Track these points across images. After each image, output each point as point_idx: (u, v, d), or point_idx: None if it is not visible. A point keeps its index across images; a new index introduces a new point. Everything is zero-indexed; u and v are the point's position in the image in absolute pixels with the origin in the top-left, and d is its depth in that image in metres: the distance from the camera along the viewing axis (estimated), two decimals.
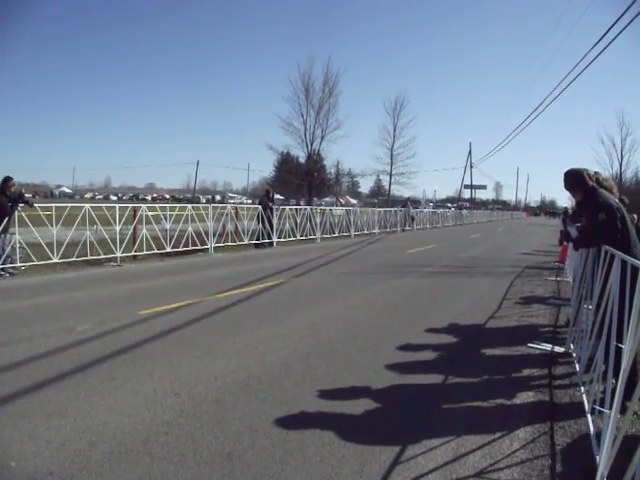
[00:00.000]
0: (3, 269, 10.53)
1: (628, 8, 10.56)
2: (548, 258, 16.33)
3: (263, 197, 19.46)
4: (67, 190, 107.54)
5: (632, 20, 10.71)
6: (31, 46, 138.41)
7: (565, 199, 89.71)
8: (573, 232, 5.44)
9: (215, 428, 3.63)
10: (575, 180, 5.05)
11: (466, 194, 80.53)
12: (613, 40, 12.06)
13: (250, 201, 63.49)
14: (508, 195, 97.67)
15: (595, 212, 4.67)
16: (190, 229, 15.22)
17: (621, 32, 11.44)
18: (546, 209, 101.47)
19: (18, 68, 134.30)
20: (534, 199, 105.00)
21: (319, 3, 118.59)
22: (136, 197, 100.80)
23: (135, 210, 14.47)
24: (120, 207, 13.81)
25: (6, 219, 10.52)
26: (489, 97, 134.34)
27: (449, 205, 77.47)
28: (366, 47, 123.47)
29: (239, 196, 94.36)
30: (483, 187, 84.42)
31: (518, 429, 3.79)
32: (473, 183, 76.91)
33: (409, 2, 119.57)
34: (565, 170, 5.18)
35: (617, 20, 11.22)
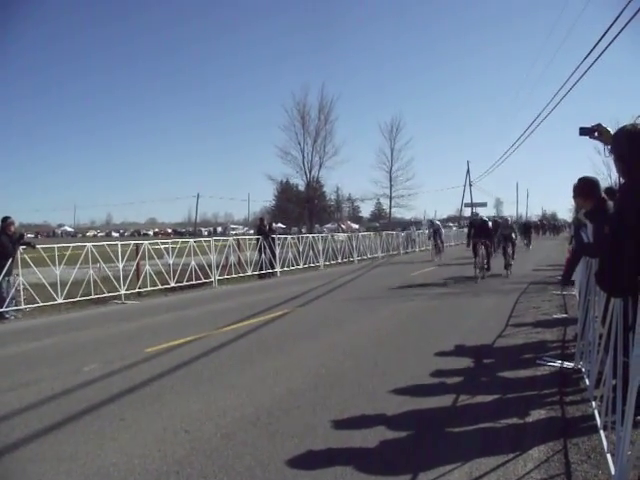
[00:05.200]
0: (8, 312, 10.53)
1: (623, 11, 10.55)
2: (553, 273, 16.25)
3: (259, 226, 19.51)
4: (69, 229, 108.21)
5: (624, 27, 10.71)
6: (32, 87, 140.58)
7: (565, 211, 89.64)
8: (584, 237, 5.48)
9: (226, 464, 3.60)
10: (588, 189, 5.09)
11: (467, 212, 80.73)
12: (606, 48, 12.06)
13: (252, 231, 63.50)
14: (509, 211, 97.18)
15: (602, 225, 4.69)
16: (193, 263, 15.25)
17: (612, 41, 11.50)
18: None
19: (13, 112, 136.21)
20: (535, 213, 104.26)
21: (315, 28, 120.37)
22: (138, 233, 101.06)
23: (137, 246, 14.53)
24: (122, 244, 13.87)
25: (10, 261, 10.56)
26: (487, 114, 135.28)
27: (450, 224, 77.57)
28: (362, 73, 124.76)
29: (241, 227, 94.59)
30: (483, 204, 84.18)
31: (532, 449, 3.75)
32: (473, 201, 77.05)
33: (406, 28, 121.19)
34: (579, 177, 5.24)
35: (607, 31, 11.35)
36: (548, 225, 66.03)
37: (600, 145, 4.22)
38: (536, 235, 50.17)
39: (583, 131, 4.25)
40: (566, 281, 7.16)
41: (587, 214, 5.30)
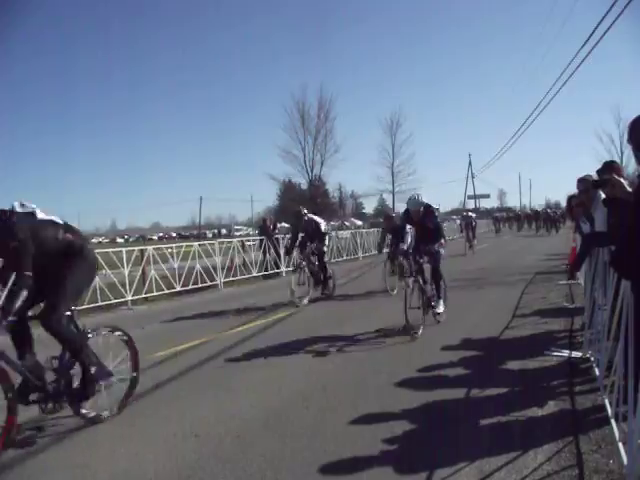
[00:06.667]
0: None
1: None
2: (558, 262, 16.19)
3: (263, 227, 19.50)
4: None
5: (621, 12, 10.62)
6: (32, 95, 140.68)
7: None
8: (585, 228, 5.45)
9: (237, 467, 3.61)
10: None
11: (470, 204, 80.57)
12: (605, 33, 12.07)
13: (257, 231, 63.52)
14: (512, 201, 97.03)
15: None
16: (198, 266, 15.24)
17: (611, 25, 11.43)
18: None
19: (15, 120, 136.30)
20: (539, 203, 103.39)
21: (311, 25, 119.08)
22: (143, 238, 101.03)
23: (142, 252, 14.53)
24: (127, 250, 13.91)
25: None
26: (487, 105, 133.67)
27: (454, 217, 77.43)
28: (360, 68, 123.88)
29: (245, 227, 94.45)
30: (486, 196, 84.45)
31: (542, 440, 3.74)
32: (477, 193, 77.18)
33: (403, 22, 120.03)
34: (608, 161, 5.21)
35: (605, 14, 11.25)
36: (544, 216, 43.51)
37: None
38: (515, 230, 44.39)
39: (597, 183, 4.30)
40: (575, 270, 7.09)
41: (605, 201, 5.20)
